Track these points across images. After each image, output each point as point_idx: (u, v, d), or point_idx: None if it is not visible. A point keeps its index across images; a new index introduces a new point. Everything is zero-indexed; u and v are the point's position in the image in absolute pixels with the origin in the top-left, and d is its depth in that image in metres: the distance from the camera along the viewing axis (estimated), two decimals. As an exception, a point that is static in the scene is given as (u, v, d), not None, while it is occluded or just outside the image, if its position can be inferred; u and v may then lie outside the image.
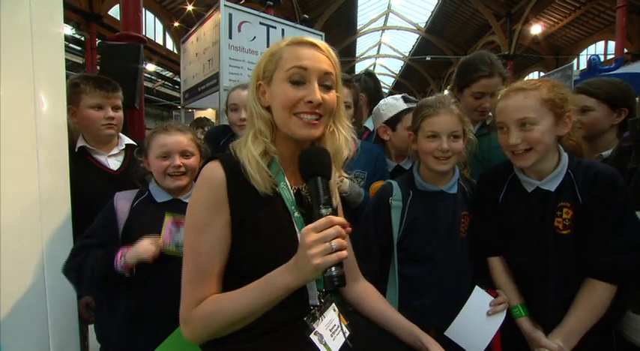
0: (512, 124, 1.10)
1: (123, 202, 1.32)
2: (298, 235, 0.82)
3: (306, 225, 0.74)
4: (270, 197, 0.85)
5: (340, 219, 0.73)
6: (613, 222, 1.05)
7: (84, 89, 1.58)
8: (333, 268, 0.71)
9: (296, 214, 0.85)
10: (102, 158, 1.64)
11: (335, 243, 0.70)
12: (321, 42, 0.87)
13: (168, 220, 1.25)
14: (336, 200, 1.00)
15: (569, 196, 1.10)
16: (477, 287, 1.17)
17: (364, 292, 1.04)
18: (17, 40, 1.24)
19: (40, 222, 1.26)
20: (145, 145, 1.37)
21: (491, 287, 1.22)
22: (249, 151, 0.85)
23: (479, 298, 1.16)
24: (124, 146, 1.71)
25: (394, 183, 1.31)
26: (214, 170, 0.83)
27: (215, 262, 0.81)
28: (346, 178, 1.00)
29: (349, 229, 0.74)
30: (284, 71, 0.84)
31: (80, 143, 1.61)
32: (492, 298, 1.17)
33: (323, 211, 0.75)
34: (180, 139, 1.34)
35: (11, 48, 1.22)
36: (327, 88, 0.86)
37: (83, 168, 1.56)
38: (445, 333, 1.13)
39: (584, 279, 1.09)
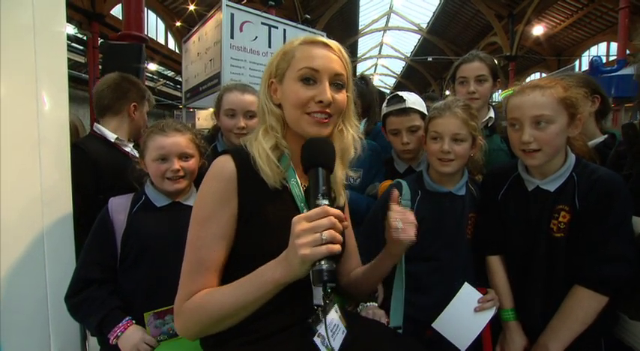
0: (527, 121, 1.09)
1: (119, 209, 1.24)
2: None
3: None
4: (279, 193, 0.85)
5: (336, 210, 0.69)
6: (606, 231, 1.04)
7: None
8: (322, 262, 0.65)
9: (305, 211, 0.85)
10: (128, 150, 1.69)
11: (326, 234, 0.65)
12: (333, 42, 0.89)
13: (147, 317, 1.14)
14: (343, 199, 1.00)
15: (569, 200, 1.09)
16: (465, 283, 1.18)
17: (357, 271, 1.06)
18: (19, 39, 1.24)
19: (41, 221, 1.26)
20: (142, 146, 1.30)
21: (486, 285, 1.23)
22: (259, 144, 0.86)
23: (467, 294, 1.17)
24: None
25: (404, 182, 1.32)
26: (225, 163, 0.84)
27: (215, 256, 0.81)
28: (351, 175, 1.02)
29: (346, 223, 0.71)
30: (296, 70, 0.85)
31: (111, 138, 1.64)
32: (481, 294, 1.17)
33: (320, 201, 0.70)
34: (179, 141, 1.24)
35: (13, 47, 1.22)
36: (337, 87, 0.87)
37: (123, 159, 1.59)
38: (432, 324, 1.15)
39: (571, 286, 1.08)
